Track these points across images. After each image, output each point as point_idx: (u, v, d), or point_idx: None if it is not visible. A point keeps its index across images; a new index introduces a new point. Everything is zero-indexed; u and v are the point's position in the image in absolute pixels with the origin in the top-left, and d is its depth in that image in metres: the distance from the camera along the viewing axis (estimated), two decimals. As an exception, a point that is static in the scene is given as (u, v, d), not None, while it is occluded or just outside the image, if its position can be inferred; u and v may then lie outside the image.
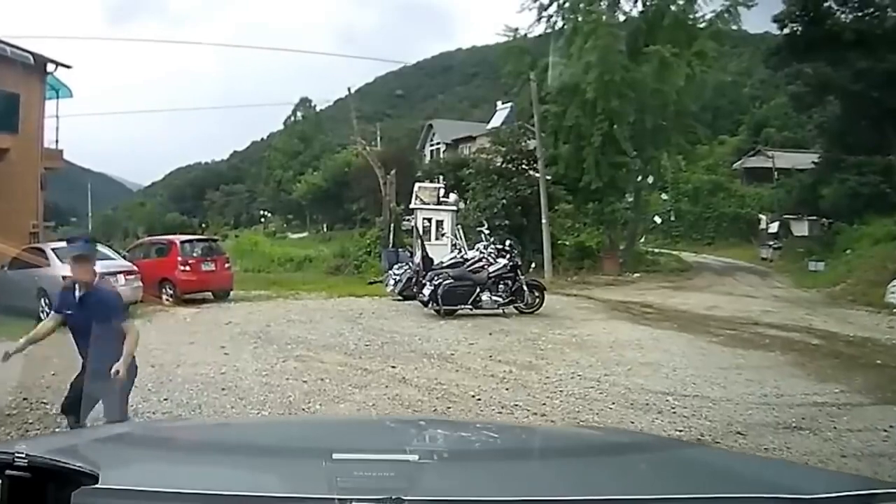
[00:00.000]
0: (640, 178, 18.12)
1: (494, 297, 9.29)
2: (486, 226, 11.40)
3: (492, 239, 10.52)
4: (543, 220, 14.68)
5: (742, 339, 8.46)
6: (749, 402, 5.47)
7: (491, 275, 9.38)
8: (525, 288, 9.52)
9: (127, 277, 9.81)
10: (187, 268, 11.60)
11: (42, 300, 9.59)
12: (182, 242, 12.23)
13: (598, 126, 15.56)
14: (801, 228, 24.89)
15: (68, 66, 16.08)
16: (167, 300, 11.35)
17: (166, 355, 6.73)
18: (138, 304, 10.34)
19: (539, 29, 17.16)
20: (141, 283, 10.05)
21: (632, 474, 1.15)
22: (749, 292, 14.21)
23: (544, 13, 16.78)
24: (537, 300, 9.71)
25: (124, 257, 11.77)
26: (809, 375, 6.44)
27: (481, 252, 9.93)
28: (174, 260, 11.65)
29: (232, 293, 12.59)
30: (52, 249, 10.07)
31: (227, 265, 12.50)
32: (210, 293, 12.17)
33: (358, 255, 17.94)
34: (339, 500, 0.80)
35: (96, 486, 0.80)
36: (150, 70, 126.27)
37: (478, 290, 9.26)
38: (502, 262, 9.50)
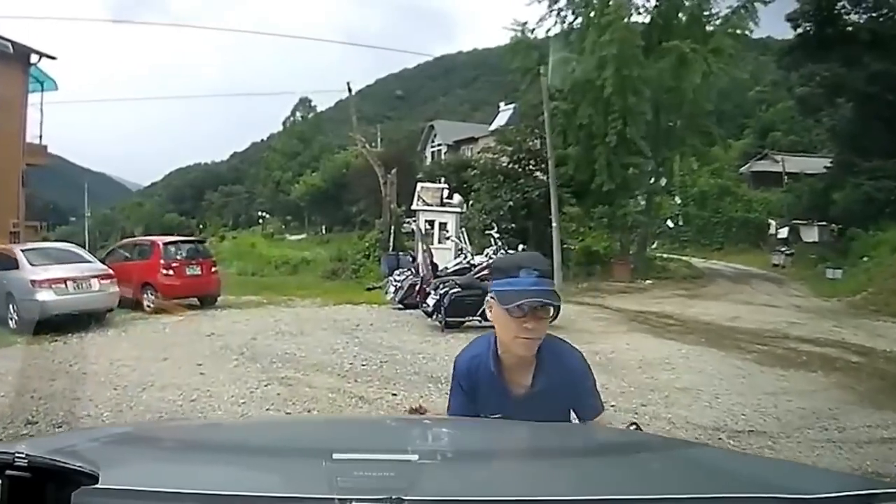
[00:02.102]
0: (652, 180, 17.32)
1: (505, 307, 8.36)
2: (495, 229, 10.47)
3: (500, 243, 9.62)
4: (554, 224, 13.84)
5: (777, 355, 7.75)
6: (811, 439, 4.73)
7: None
8: None
9: (101, 282, 8.95)
10: (170, 271, 10.66)
11: (11, 306, 8.83)
12: (165, 244, 11.27)
13: (612, 125, 14.75)
14: (810, 234, 24.49)
15: (53, 58, 15.37)
16: (149, 307, 10.48)
17: (134, 374, 5.93)
18: (116, 312, 9.55)
19: (548, 23, 16.42)
20: (117, 289, 9.19)
21: (632, 473, 1.12)
22: (768, 301, 13.55)
23: (554, 6, 16.02)
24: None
25: (103, 260, 10.96)
26: (863, 402, 5.74)
27: (490, 257, 9.05)
28: (156, 263, 10.72)
29: (220, 299, 11.69)
30: (23, 251, 9.26)
31: (213, 269, 11.54)
32: (196, 299, 11.29)
33: (356, 259, 17.11)
34: (339, 500, 0.78)
35: (96, 486, 0.78)
36: (151, 67, 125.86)
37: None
38: None
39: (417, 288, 9.39)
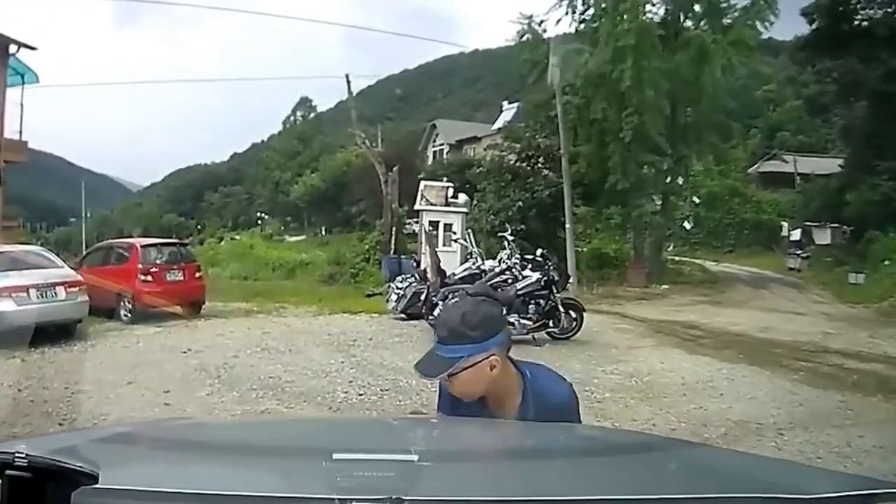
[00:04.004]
0: (668, 179, 16.40)
1: (523, 321, 7.31)
2: (508, 231, 9.49)
3: (514, 247, 8.65)
4: (567, 226, 12.92)
5: (825, 374, 6.97)
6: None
7: (519, 292, 7.45)
8: (561, 308, 7.68)
9: (69, 290, 8.01)
10: (149, 277, 9.63)
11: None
12: (144, 247, 10.21)
13: (628, 120, 13.84)
14: (823, 237, 23.80)
15: (33, 48, 14.56)
16: (125, 316, 9.52)
17: (89, 403, 5.01)
18: (87, 323, 8.63)
19: (558, 14, 15.53)
20: (86, 297, 8.24)
21: (632, 473, 1.09)
22: (794, 308, 12.73)
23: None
24: (574, 324, 7.82)
25: (79, 264, 10.04)
26: (941, 436, 5.00)
27: (504, 262, 8.11)
28: (134, 268, 9.68)
29: (207, 305, 10.71)
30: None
31: (197, 274, 10.52)
32: (179, 307, 10.33)
33: (355, 262, 16.17)
34: (339, 500, 0.77)
35: (96, 486, 0.78)
36: (153, 66, 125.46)
37: (503, 311, 7.35)
38: (534, 276, 7.53)
39: (423, 297, 8.42)
